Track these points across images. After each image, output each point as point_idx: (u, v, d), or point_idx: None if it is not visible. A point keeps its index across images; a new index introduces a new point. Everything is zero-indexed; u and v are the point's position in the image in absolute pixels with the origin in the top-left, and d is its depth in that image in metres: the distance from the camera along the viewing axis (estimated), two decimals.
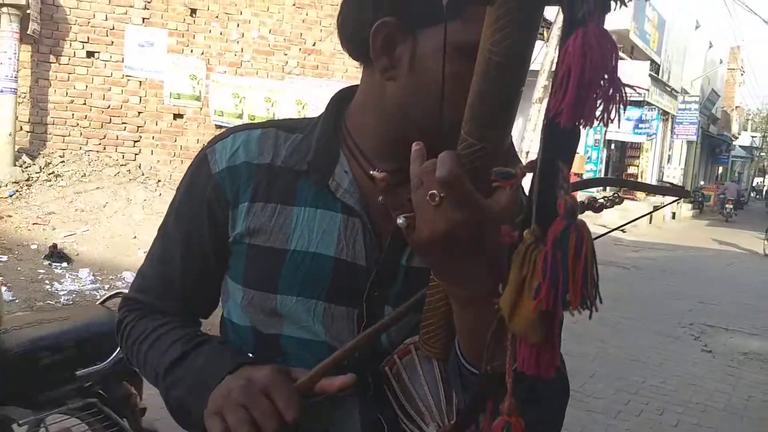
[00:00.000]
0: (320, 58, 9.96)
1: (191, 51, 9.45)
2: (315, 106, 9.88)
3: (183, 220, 0.98)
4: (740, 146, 46.44)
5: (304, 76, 9.90)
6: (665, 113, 22.52)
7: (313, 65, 9.94)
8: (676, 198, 0.85)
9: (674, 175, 23.61)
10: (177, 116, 9.51)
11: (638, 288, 9.74)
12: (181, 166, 9.52)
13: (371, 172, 0.88)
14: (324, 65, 9.98)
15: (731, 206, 26.24)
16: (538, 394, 0.71)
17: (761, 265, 13.91)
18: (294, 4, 9.79)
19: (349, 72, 10.05)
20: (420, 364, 0.85)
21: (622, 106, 0.56)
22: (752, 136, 50.38)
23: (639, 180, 20.91)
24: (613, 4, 0.55)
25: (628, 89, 0.56)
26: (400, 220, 0.68)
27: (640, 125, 19.03)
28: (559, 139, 0.60)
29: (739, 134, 44.92)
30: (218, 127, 9.64)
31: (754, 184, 50.17)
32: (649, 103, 19.36)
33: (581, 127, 0.58)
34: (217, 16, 9.50)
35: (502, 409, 0.64)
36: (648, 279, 10.66)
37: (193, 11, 9.42)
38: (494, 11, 0.62)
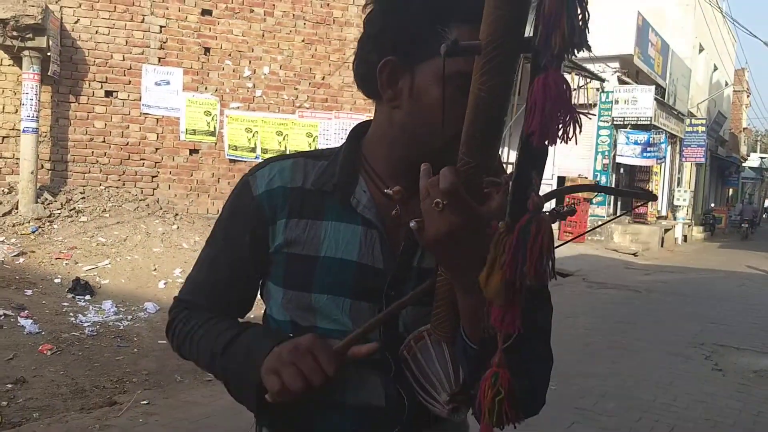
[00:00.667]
0: (329, 92, 10.25)
1: (205, 88, 9.76)
2: (325, 138, 10.14)
3: (228, 234, 1.18)
4: (750, 167, 46.38)
5: (314, 109, 10.19)
6: (673, 136, 22.66)
7: (322, 98, 10.23)
8: (644, 202, 1.03)
9: (684, 197, 23.63)
10: (193, 151, 9.79)
11: (650, 310, 9.82)
12: (198, 199, 9.78)
13: (385, 190, 1.09)
14: (333, 98, 10.27)
15: (747, 225, 27.99)
16: (522, 356, 0.87)
17: None
18: (303, 41, 10.12)
19: (357, 104, 10.33)
20: (432, 347, 1.04)
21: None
22: (761, 158, 50.31)
23: (650, 204, 21.01)
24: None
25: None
26: (412, 224, 0.87)
27: (649, 149, 19.14)
28: (532, 155, 0.79)
29: (748, 156, 44.94)
30: (232, 161, 9.92)
31: (766, 204, 49.97)
32: (656, 127, 19.52)
33: (547, 144, 0.77)
34: (229, 54, 9.83)
35: (492, 362, 0.83)
36: (659, 301, 10.72)
37: (207, 50, 9.75)
38: (480, 60, 0.80)
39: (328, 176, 1.13)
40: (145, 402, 4.73)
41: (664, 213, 23.03)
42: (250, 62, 9.94)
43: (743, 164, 42.19)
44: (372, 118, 1.18)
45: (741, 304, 11.11)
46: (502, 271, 0.75)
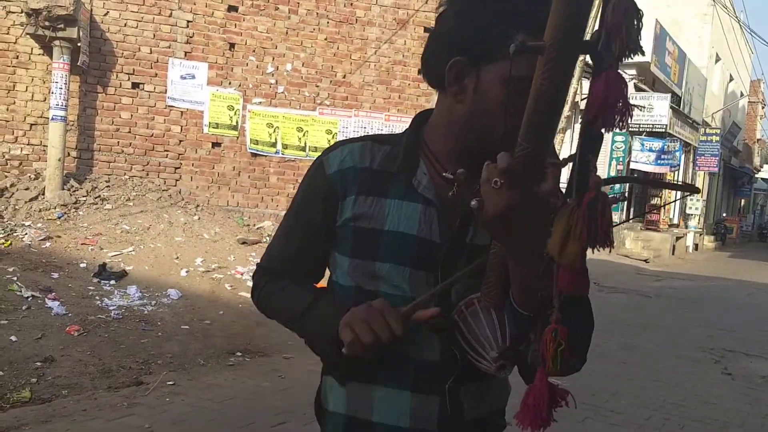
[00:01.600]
0: (349, 90, 10.40)
1: (229, 83, 9.93)
2: (344, 135, 10.29)
3: (303, 207, 1.34)
4: (762, 179, 46.10)
5: (334, 107, 10.34)
6: (687, 145, 22.66)
7: (342, 96, 10.38)
8: (685, 195, 1.18)
9: (697, 206, 23.61)
10: (215, 145, 9.96)
11: (660, 315, 9.91)
12: (219, 192, 9.95)
13: (443, 173, 1.24)
14: (353, 96, 10.41)
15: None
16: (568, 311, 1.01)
17: None
18: (326, 39, 10.28)
19: (376, 103, 10.48)
20: (481, 312, 1.17)
21: (630, 118, 0.91)
22: None
23: (663, 211, 21.06)
24: (625, 56, 0.89)
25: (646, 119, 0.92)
26: (473, 203, 0.99)
27: (663, 156, 19.15)
28: (591, 140, 0.95)
29: (761, 167, 44.71)
30: (253, 155, 10.08)
31: None
32: (671, 135, 19.53)
33: (604, 131, 0.93)
34: (253, 50, 9.99)
35: (552, 320, 0.98)
36: (670, 307, 10.80)
37: (232, 45, 9.92)
38: (543, 58, 0.95)
39: (393, 159, 1.27)
40: (171, 383, 4.89)
41: (676, 221, 23.05)
42: (273, 59, 10.10)
43: (756, 175, 41.95)
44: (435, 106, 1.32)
45: (750, 312, 11.18)
46: (579, 240, 0.91)
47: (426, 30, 10.67)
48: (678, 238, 20.57)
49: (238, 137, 10.02)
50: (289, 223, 1.38)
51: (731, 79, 28.58)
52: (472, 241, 1.24)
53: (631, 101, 0.91)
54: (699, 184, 25.72)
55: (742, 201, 40.55)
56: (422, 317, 1.16)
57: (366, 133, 9.95)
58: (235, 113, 9.95)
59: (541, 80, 0.94)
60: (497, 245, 1.11)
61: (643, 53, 0.89)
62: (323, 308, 1.25)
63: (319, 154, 1.35)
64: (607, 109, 0.90)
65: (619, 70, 0.91)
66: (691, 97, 22.91)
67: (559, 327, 0.98)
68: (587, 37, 0.94)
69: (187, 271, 7.58)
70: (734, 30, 25.69)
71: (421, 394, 1.24)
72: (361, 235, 1.25)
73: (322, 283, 1.40)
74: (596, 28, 0.96)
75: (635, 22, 0.87)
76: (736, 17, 24.55)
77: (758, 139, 42.16)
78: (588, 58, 0.97)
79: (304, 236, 1.33)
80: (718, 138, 23.58)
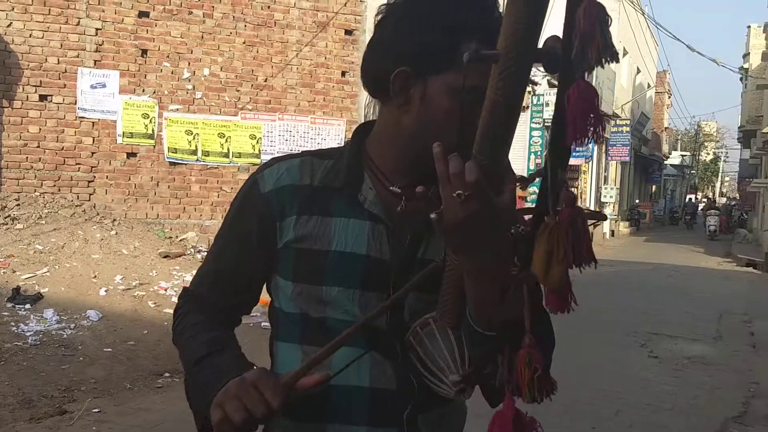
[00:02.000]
0: (272, 94, 10.20)
1: (143, 90, 9.57)
2: (269, 140, 10.10)
3: (235, 229, 1.24)
4: (671, 165, 48.48)
5: (257, 111, 10.12)
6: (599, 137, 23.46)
7: (265, 100, 10.17)
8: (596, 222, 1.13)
9: (611, 194, 24.54)
10: (130, 155, 9.57)
11: (584, 302, 10.16)
12: (136, 204, 9.57)
13: (390, 188, 1.17)
14: (276, 100, 10.22)
15: (689, 217, 38.84)
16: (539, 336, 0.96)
17: (697, 276, 14.65)
18: (244, 42, 10.04)
19: (301, 106, 10.33)
20: (438, 333, 1.11)
21: (601, 131, 0.85)
22: (682, 155, 52.68)
23: (579, 201, 21.70)
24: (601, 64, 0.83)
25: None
26: (433, 216, 0.94)
27: (578, 149, 19.74)
28: (559, 155, 0.89)
29: (669, 154, 46.99)
30: (172, 164, 9.75)
31: (687, 200, 52.42)
32: None
33: (576, 146, 0.87)
34: (168, 56, 9.66)
35: (523, 344, 0.92)
36: (593, 294, 11.13)
37: (144, 52, 9.55)
38: (498, 67, 0.89)
39: (335, 174, 1.19)
40: (96, 410, 4.65)
41: (592, 209, 23.85)
42: (189, 64, 9.79)
43: (665, 162, 44.07)
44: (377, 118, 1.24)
45: (670, 294, 11.66)
46: (564, 261, 0.85)
47: (347, 32, 10.60)
48: (595, 226, 21.28)
49: (155, 146, 9.66)
50: (219, 245, 1.27)
51: (638, 71, 29.81)
52: (424, 256, 1.17)
53: (600, 112, 0.86)
54: (612, 173, 26.75)
55: (653, 187, 42.44)
56: (307, 385, 1.06)
57: (291, 137, 9.80)
58: (150, 121, 9.59)
59: (495, 91, 0.89)
60: (452, 261, 1.04)
61: (618, 60, 0.83)
62: (208, 372, 1.13)
63: (244, 160, 1.25)
64: (580, 122, 0.84)
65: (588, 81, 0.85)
66: (602, 90, 23.73)
67: (532, 351, 0.92)
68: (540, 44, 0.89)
69: (106, 290, 7.24)
70: (640, 24, 26.81)
71: (378, 428, 1.17)
72: (306, 257, 1.17)
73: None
74: (548, 34, 0.92)
75: (606, 27, 0.81)
76: (642, 10, 25.63)
77: (666, 128, 44.33)
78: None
79: (237, 258, 1.23)
80: (628, 128, 24.58)
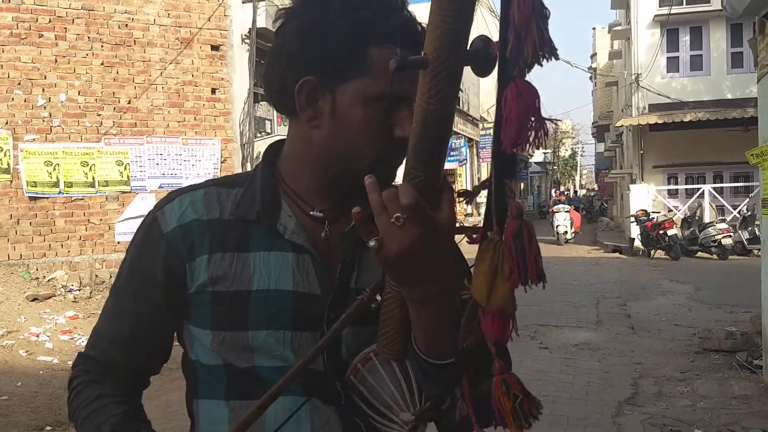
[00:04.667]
0: (138, 116, 9.69)
1: None
2: (138, 165, 9.57)
3: (135, 277, 1.08)
4: (536, 163, 51.05)
5: (122, 135, 9.57)
6: (470, 140, 24.35)
7: (130, 123, 9.64)
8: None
9: (483, 193, 25.39)
10: None
11: None
12: None
13: (311, 213, 1.06)
14: (142, 122, 9.71)
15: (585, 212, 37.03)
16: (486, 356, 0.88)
17: (570, 265, 15.43)
18: (102, 64, 9.48)
19: (170, 127, 9.88)
20: (381, 367, 1.01)
21: (544, 135, 0.79)
22: (544, 153, 55.62)
23: (457, 204, 22.40)
24: (539, 61, 0.77)
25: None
26: (371, 243, 0.85)
27: (451, 153, 20.40)
28: (505, 163, 0.82)
29: (533, 153, 49.45)
30: (32, 199, 9.02)
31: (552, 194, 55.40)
32: (455, 132, 20.86)
33: (518, 152, 0.80)
34: (19, 83, 8.94)
35: (494, 370, 0.84)
36: None
37: None
38: (427, 74, 0.81)
39: (248, 204, 1.06)
40: None
41: (469, 210, 24.64)
42: (43, 90, 9.09)
43: (530, 160, 46.33)
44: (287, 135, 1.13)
45: (549, 285, 12.11)
46: (509, 279, 0.77)
47: (213, 48, 10.27)
48: (475, 226, 21.97)
49: (11, 181, 8.89)
50: (118, 298, 1.10)
51: None
52: (357, 285, 1.06)
53: (545, 115, 0.79)
54: (484, 174, 27.75)
55: (522, 185, 44.44)
56: None
57: (163, 160, 9.33)
58: (5, 154, 8.83)
59: (427, 100, 0.81)
60: (392, 288, 0.95)
61: (557, 57, 0.76)
62: None
63: (111, 188, 1.10)
64: (521, 127, 0.77)
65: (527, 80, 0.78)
66: (468, 96, 24.62)
67: (507, 377, 0.84)
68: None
69: None
70: (497, 26, 28.04)
71: None
72: (224, 301, 1.03)
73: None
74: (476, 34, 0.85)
75: (544, 21, 0.75)
76: (494, 14, 26.81)
77: None
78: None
79: (141, 312, 1.08)
80: None
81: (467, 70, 0.85)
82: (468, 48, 0.82)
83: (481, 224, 0.85)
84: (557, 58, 0.77)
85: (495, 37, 0.82)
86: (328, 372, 1.03)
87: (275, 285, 1.03)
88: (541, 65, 0.77)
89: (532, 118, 0.77)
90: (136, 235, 1.10)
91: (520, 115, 0.76)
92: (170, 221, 1.05)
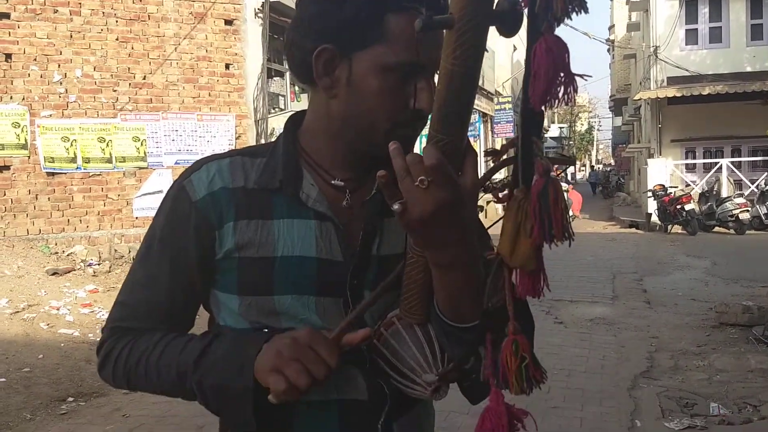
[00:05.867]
0: (153, 92, 9.70)
1: (11, 98, 8.83)
2: (154, 141, 9.61)
3: (167, 246, 1.08)
4: (551, 138, 50.70)
5: (138, 111, 9.60)
6: (485, 115, 24.17)
7: (146, 99, 9.66)
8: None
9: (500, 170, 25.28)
10: (3, 168, 8.83)
11: None
12: (15, 221, 8.86)
13: (332, 182, 1.07)
14: (158, 98, 9.73)
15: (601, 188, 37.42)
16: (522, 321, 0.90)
17: (586, 240, 15.38)
18: (117, 39, 9.47)
19: (185, 103, 9.89)
20: (404, 331, 1.03)
21: (574, 91, 0.78)
22: (560, 128, 55.27)
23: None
24: (569, 15, 0.76)
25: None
26: (396, 206, 0.85)
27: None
28: (533, 121, 0.81)
29: (549, 127, 49.11)
30: (50, 174, 9.09)
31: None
32: None
33: (547, 109, 0.80)
34: (35, 59, 8.96)
35: (508, 331, 0.85)
36: None
37: (8, 56, 8.82)
38: (452, 34, 0.80)
39: (271, 173, 1.08)
40: None
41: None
42: (59, 66, 9.11)
43: (545, 135, 46.01)
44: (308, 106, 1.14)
45: (564, 260, 12.13)
46: (531, 236, 0.77)
47: (227, 23, 10.23)
48: (488, 202, 21.91)
49: (29, 157, 8.96)
50: (150, 267, 1.10)
51: (515, 49, 30.84)
52: (379, 252, 1.08)
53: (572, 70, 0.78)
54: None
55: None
56: (354, 340, 0.97)
57: (179, 136, 9.38)
58: (22, 130, 8.89)
59: (452, 61, 0.80)
60: (416, 253, 0.95)
61: (587, 11, 0.75)
62: (227, 353, 0.99)
63: (129, 164, 1.10)
64: (550, 83, 0.76)
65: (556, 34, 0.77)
66: (483, 69, 24.34)
67: (518, 338, 0.85)
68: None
69: None
70: None
71: None
72: (250, 266, 1.05)
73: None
74: None
75: None
76: None
77: None
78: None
79: (176, 281, 1.08)
80: (510, 105, 25.38)
81: (491, 36, 0.84)
82: (494, 7, 0.81)
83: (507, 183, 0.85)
84: (587, 11, 0.77)
85: None
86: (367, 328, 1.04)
87: (299, 252, 1.05)
88: (570, 18, 0.77)
89: (561, 74, 0.77)
90: (164, 205, 1.10)
91: (549, 70, 0.76)
92: (198, 190, 1.07)
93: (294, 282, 1.04)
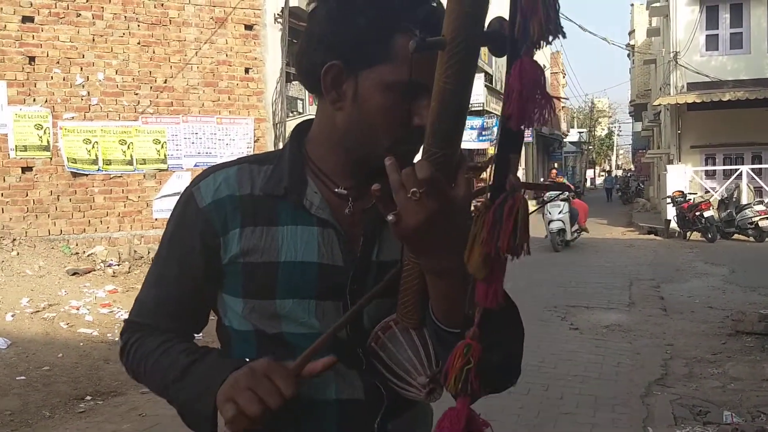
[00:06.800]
0: (174, 95, 9.84)
1: (33, 100, 9.01)
2: (174, 144, 9.75)
3: (176, 248, 1.16)
4: (570, 142, 50.40)
5: (159, 114, 9.74)
6: None
7: (167, 102, 9.80)
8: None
9: (518, 173, 25.21)
10: (26, 169, 9.00)
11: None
12: (36, 221, 9.03)
13: (335, 190, 1.12)
14: (178, 102, 9.87)
15: (620, 193, 36.49)
16: (494, 325, 0.92)
17: (604, 246, 15.29)
18: (139, 43, 9.63)
19: (205, 106, 10.02)
20: (400, 335, 1.08)
21: (550, 112, 0.83)
22: (579, 132, 54.89)
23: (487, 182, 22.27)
24: (542, 43, 0.80)
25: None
26: (390, 217, 0.90)
27: (483, 133, 20.29)
28: (510, 138, 0.86)
29: (568, 132, 48.83)
30: (74, 175, 9.25)
31: (587, 175, 54.66)
32: (488, 112, 20.71)
33: (524, 128, 0.84)
34: (57, 62, 9.13)
35: (466, 335, 0.89)
36: (508, 271, 11.39)
37: (32, 59, 8.99)
38: (445, 54, 0.85)
39: (277, 180, 1.13)
40: None
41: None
42: (81, 69, 9.28)
43: (564, 139, 45.76)
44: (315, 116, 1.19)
45: (582, 266, 12.10)
46: (481, 246, 0.82)
47: (247, 28, 10.35)
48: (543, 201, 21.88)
49: (51, 158, 9.12)
50: (160, 269, 1.18)
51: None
52: (378, 258, 1.13)
53: (549, 92, 0.83)
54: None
55: (555, 164, 43.96)
56: (314, 370, 1.01)
57: (198, 139, 9.48)
58: (45, 132, 9.06)
59: (444, 80, 0.85)
60: (411, 260, 1.00)
61: (564, 36, 0.80)
62: (201, 374, 1.06)
63: (149, 166, 1.17)
64: (526, 103, 0.81)
65: (533, 58, 0.82)
66: (502, 74, 24.29)
67: (473, 343, 0.89)
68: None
69: (13, 315, 6.80)
70: None
71: None
72: (254, 271, 1.10)
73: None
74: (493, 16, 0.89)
75: (551, 1, 0.78)
76: None
77: (563, 107, 45.95)
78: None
79: (182, 282, 1.16)
80: None
81: None
82: (485, 29, 0.86)
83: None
84: (564, 36, 0.80)
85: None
86: (350, 339, 1.10)
87: (302, 257, 1.10)
88: (549, 43, 0.81)
89: (538, 94, 0.81)
90: (175, 209, 1.17)
91: (524, 91, 0.80)
92: (205, 197, 1.13)
93: (296, 286, 1.09)
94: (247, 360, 1.06)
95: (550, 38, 0.80)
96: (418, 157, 0.95)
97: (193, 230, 1.13)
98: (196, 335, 1.24)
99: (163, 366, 1.11)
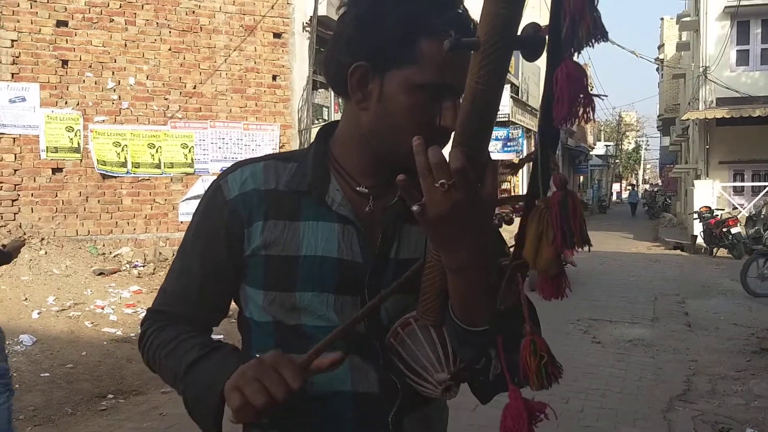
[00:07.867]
0: (202, 101, 9.96)
1: (66, 103, 9.18)
2: (202, 148, 9.86)
3: (201, 239, 1.19)
4: (596, 155, 50.04)
5: (188, 119, 9.87)
6: (528, 131, 24.01)
7: (195, 108, 9.92)
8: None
9: None
10: (56, 170, 9.15)
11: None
12: (65, 221, 9.17)
13: (357, 188, 1.14)
14: (207, 107, 9.99)
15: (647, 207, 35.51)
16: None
17: (629, 261, 15.14)
18: (170, 49, 9.77)
19: (233, 113, 10.13)
20: (419, 332, 1.09)
21: (592, 111, 0.84)
22: (606, 145, 54.47)
23: (513, 193, 22.25)
24: (591, 44, 0.81)
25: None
26: (415, 208, 0.91)
27: (508, 143, 20.21)
28: (551, 137, 0.87)
29: (594, 145, 48.51)
30: (103, 176, 9.39)
31: (613, 189, 54.20)
32: (513, 123, 20.64)
33: (566, 125, 0.85)
34: (90, 66, 9.30)
35: (525, 331, 0.91)
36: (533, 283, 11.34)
37: (65, 62, 9.17)
38: (478, 56, 0.86)
39: (301, 177, 1.16)
40: None
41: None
42: (113, 73, 9.44)
43: (591, 152, 45.44)
44: (341, 117, 1.21)
45: (606, 280, 12.00)
46: (553, 244, 0.83)
47: (276, 36, 10.46)
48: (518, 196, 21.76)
49: (81, 160, 9.27)
50: (185, 258, 1.21)
51: None
52: (397, 256, 1.15)
53: (590, 92, 0.84)
54: None
55: (581, 177, 43.68)
56: (323, 366, 1.02)
57: (225, 144, 9.59)
58: (75, 134, 9.21)
59: (477, 80, 0.86)
60: (434, 258, 1.01)
61: (607, 39, 0.81)
62: (209, 368, 1.08)
63: (176, 170, 1.20)
64: (570, 103, 0.82)
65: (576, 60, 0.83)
66: (528, 85, 24.31)
67: (535, 337, 0.90)
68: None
69: (39, 313, 6.91)
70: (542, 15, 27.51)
71: None
72: (275, 264, 1.13)
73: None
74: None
75: (595, 6, 0.80)
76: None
77: (590, 120, 45.63)
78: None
79: (206, 272, 1.18)
80: None
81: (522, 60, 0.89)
82: (518, 33, 0.87)
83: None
84: (606, 40, 0.82)
85: (543, 23, 0.87)
86: (368, 333, 1.12)
87: (322, 252, 1.12)
88: (593, 47, 0.82)
89: (581, 95, 0.82)
90: (202, 201, 1.21)
91: (571, 92, 0.81)
92: (233, 189, 1.16)
93: (315, 280, 1.12)
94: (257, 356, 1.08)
95: (595, 42, 0.81)
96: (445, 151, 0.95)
97: (219, 221, 1.15)
98: (215, 327, 1.26)
99: (175, 358, 1.13)
